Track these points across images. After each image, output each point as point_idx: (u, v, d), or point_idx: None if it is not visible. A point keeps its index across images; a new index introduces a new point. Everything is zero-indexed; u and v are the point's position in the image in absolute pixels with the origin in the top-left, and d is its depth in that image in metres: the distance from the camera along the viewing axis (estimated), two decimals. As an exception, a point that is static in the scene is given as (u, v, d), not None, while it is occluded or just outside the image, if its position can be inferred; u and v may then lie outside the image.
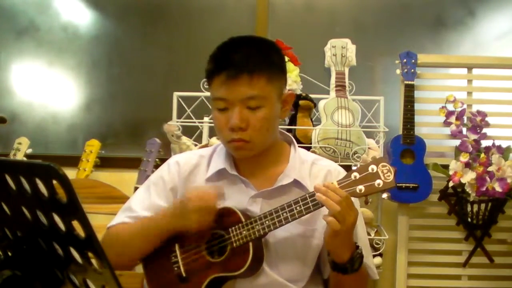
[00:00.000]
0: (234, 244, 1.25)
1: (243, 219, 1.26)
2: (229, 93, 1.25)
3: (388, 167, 1.20)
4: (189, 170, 1.40)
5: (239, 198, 1.33)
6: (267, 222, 1.24)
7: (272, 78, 1.28)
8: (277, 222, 1.23)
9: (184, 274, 1.29)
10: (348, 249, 1.24)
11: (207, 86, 1.34)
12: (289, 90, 1.38)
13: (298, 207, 1.22)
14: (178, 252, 1.31)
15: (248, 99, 1.26)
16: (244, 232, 1.25)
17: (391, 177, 1.20)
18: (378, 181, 1.20)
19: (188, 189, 1.31)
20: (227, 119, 1.27)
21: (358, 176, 1.21)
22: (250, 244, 1.25)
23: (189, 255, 1.30)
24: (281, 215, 1.23)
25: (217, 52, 1.30)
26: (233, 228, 1.26)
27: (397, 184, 1.23)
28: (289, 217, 1.23)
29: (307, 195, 1.23)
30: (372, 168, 1.21)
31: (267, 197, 1.34)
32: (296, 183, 1.34)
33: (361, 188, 1.20)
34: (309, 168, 1.38)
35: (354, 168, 1.23)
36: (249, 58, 1.26)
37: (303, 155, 1.41)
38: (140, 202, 1.40)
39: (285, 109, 1.36)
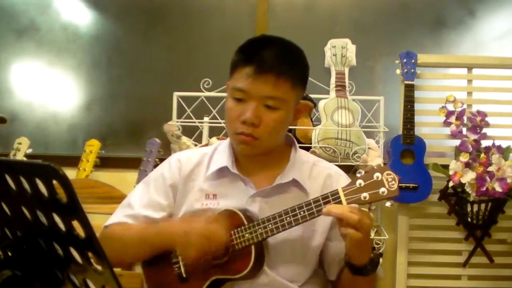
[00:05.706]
0: (236, 247, 1.25)
1: (245, 222, 1.25)
2: (252, 87, 1.25)
3: (392, 175, 1.20)
4: (191, 168, 1.39)
5: (238, 197, 1.33)
6: (270, 226, 1.23)
7: (296, 85, 1.28)
8: (280, 227, 1.23)
9: (184, 275, 1.29)
10: (368, 252, 1.23)
11: (230, 74, 1.31)
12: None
13: (302, 212, 1.22)
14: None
15: (268, 98, 1.25)
16: (247, 235, 1.24)
17: (395, 185, 1.19)
18: (382, 189, 1.20)
19: (196, 217, 1.26)
20: (240, 111, 1.27)
21: (363, 183, 1.20)
22: (252, 247, 1.24)
23: None
24: (285, 220, 1.23)
25: (247, 45, 1.31)
26: (235, 230, 1.25)
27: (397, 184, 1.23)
28: (293, 222, 1.22)
29: (311, 201, 1.22)
30: (377, 176, 1.20)
31: (266, 196, 1.34)
32: (295, 183, 1.34)
33: (365, 195, 1.20)
34: (309, 169, 1.38)
35: (358, 175, 1.22)
36: (280, 59, 1.26)
37: (303, 156, 1.42)
38: (139, 198, 1.40)
39: (296, 117, 1.37)
